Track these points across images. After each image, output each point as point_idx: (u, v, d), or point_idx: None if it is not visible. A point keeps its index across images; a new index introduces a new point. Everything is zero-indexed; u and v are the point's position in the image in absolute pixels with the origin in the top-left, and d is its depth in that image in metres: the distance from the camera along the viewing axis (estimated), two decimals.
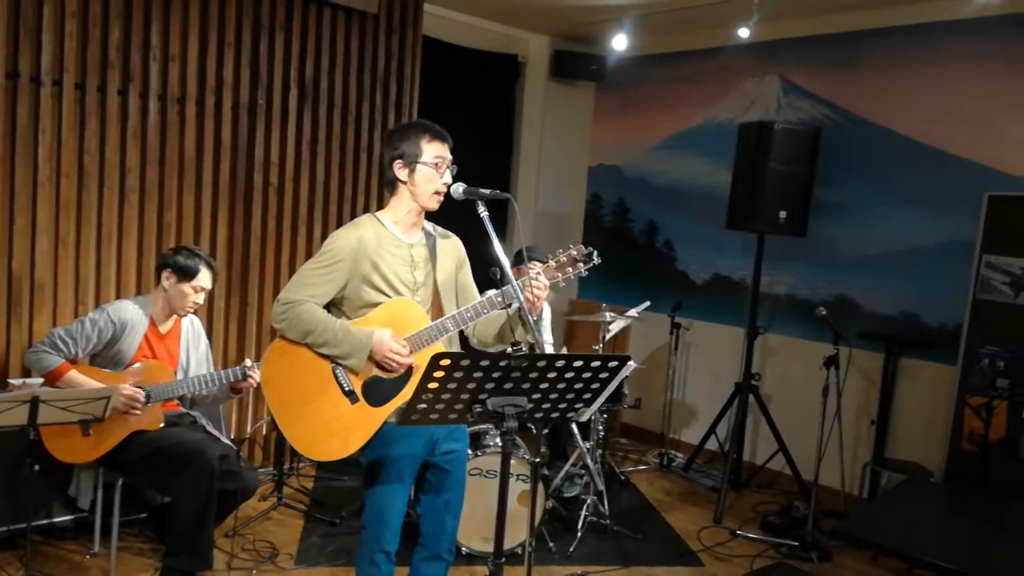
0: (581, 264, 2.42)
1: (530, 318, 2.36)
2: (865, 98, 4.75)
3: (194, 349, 3.47)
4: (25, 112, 3.69)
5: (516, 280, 2.34)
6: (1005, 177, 4.20)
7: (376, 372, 2.44)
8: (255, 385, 3.27)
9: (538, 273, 2.38)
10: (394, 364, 2.39)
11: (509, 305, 2.41)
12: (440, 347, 2.46)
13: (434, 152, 2.46)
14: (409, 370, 2.43)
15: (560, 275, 2.43)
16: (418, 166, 2.46)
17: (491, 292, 4.06)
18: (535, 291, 2.37)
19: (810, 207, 4.64)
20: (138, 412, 3.12)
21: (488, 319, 2.53)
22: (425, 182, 2.46)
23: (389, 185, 2.54)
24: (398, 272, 2.48)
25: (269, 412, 2.70)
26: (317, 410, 2.42)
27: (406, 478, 2.51)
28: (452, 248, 2.66)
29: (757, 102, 5.27)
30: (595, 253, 2.42)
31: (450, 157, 2.49)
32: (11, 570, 3.24)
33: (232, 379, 3.22)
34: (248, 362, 3.26)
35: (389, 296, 2.47)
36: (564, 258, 2.43)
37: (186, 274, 3.25)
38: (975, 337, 4.14)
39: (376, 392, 2.42)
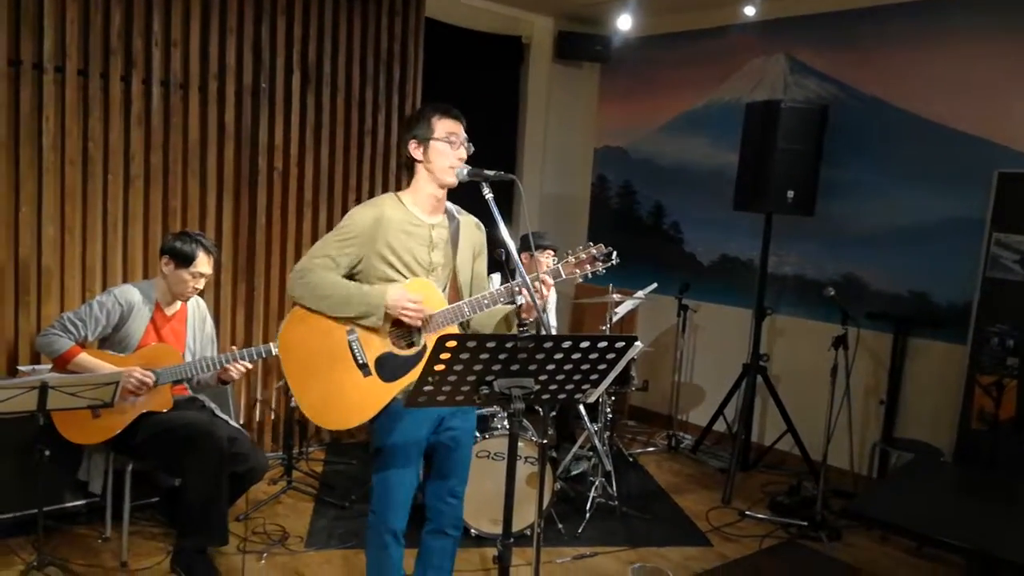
0: (600, 263, 2.41)
1: (538, 305, 2.34)
2: (872, 76, 4.70)
3: (200, 331, 3.48)
4: (28, 99, 3.68)
5: (522, 263, 2.33)
6: (1015, 154, 4.16)
7: (391, 348, 2.46)
8: (237, 377, 3.28)
9: (525, 277, 2.31)
10: (411, 315, 2.39)
11: (516, 296, 2.41)
12: (453, 331, 2.46)
13: (445, 128, 2.48)
14: (423, 348, 2.44)
15: (578, 271, 2.43)
16: (431, 143, 2.48)
17: (497, 279, 4.05)
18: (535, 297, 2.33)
19: (818, 186, 4.61)
20: (144, 393, 3.13)
21: (492, 310, 2.52)
22: (439, 158, 2.47)
23: (407, 168, 2.56)
24: (414, 252, 2.49)
25: (282, 377, 2.74)
26: (330, 380, 2.45)
27: (413, 457, 2.53)
28: (474, 233, 2.67)
29: (763, 81, 5.22)
30: (615, 253, 2.41)
31: (464, 135, 2.51)
32: (24, 555, 3.27)
33: (228, 363, 3.23)
34: (234, 349, 3.27)
35: (404, 275, 2.48)
36: (584, 255, 2.42)
37: (183, 260, 3.25)
38: (985, 315, 4.11)
39: (389, 367, 2.44)
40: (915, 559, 3.83)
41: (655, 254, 5.87)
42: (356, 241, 2.46)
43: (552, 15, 5.94)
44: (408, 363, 2.44)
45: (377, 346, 2.45)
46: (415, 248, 2.49)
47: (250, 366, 3.29)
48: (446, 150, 2.46)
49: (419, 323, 2.42)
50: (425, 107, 2.57)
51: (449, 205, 2.62)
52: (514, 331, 2.52)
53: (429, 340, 2.44)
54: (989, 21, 4.25)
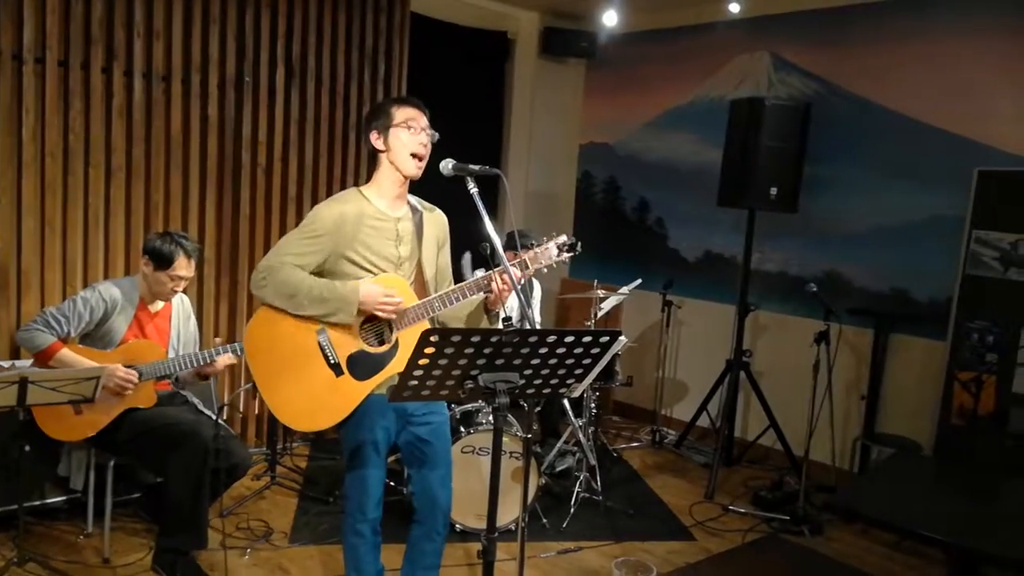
0: (565, 253, 2.45)
1: (522, 296, 2.35)
2: (855, 74, 4.73)
3: (184, 329, 3.45)
4: (7, 90, 3.64)
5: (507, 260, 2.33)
6: (995, 152, 4.20)
7: (362, 346, 2.45)
8: (220, 370, 3.27)
9: (508, 266, 2.35)
10: (387, 309, 2.40)
11: (490, 288, 2.42)
12: (425, 326, 2.45)
13: (404, 115, 2.48)
14: (395, 344, 2.44)
15: (543, 262, 2.45)
16: (391, 131, 2.48)
17: (479, 272, 4.05)
18: (502, 285, 2.39)
19: (801, 183, 4.64)
20: (130, 391, 3.11)
21: (463, 302, 2.52)
22: (400, 146, 2.48)
23: (372, 160, 2.56)
24: (380, 248, 2.48)
25: (251, 380, 2.70)
26: (301, 381, 2.42)
27: (381, 447, 2.53)
28: (437, 224, 2.67)
29: (748, 78, 5.25)
30: (579, 244, 2.45)
31: (426, 123, 2.50)
32: (4, 551, 3.23)
33: (210, 359, 3.21)
34: (218, 341, 3.25)
35: (371, 271, 2.47)
36: (549, 245, 2.45)
37: (162, 262, 3.21)
38: (965, 312, 4.15)
39: (361, 365, 2.43)
40: (896, 553, 3.87)
41: (639, 250, 5.89)
42: (322, 240, 2.43)
43: (538, 11, 5.93)
44: (381, 360, 2.43)
45: (348, 345, 2.43)
46: (382, 244, 2.48)
47: (235, 360, 3.27)
48: (405, 136, 2.47)
49: (394, 316, 2.42)
50: (385, 99, 2.59)
51: (411, 198, 2.62)
52: (494, 323, 2.53)
53: (401, 336, 2.44)
54: (972, 20, 4.28)
